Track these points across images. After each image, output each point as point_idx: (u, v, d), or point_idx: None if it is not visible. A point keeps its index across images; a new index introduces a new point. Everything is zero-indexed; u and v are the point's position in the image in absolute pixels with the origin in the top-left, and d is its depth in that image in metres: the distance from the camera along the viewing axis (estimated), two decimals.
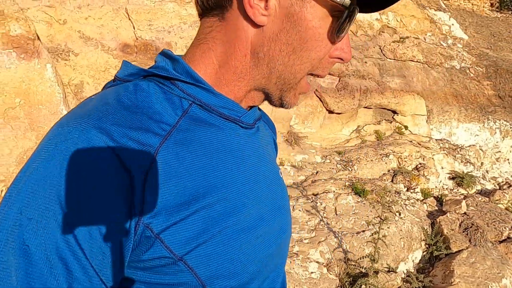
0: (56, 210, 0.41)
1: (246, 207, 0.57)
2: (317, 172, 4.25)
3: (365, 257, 2.94)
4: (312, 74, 0.60)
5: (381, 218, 2.87)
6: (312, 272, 2.92)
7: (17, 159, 2.79)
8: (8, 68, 2.74)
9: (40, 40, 2.98)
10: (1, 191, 2.74)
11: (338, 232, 3.39)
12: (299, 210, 3.56)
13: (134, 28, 3.47)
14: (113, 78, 0.59)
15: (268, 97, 0.62)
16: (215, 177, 0.54)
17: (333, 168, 4.36)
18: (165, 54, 0.59)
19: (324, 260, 3.10)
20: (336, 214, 3.65)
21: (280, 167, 4.03)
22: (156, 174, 0.47)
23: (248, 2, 0.51)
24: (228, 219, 0.53)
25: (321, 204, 3.70)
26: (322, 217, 3.55)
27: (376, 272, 3.00)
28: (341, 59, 0.60)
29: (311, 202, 3.70)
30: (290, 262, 2.91)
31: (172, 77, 0.55)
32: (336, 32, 0.54)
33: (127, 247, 0.45)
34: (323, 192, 3.88)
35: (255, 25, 0.54)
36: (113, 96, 0.52)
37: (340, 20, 0.54)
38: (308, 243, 3.21)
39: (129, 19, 3.47)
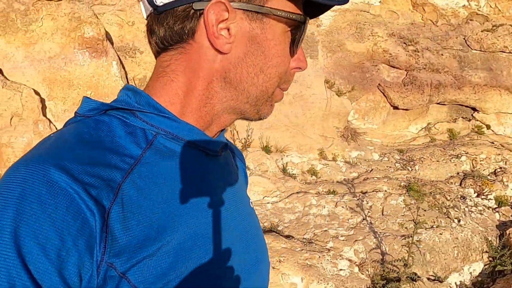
0: (14, 258, 0.40)
1: (215, 239, 0.56)
2: (371, 170, 4.11)
3: (398, 260, 2.82)
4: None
5: (415, 222, 2.71)
6: (341, 269, 2.91)
7: None
8: (82, 65, 3.24)
9: (108, 41, 3.45)
10: None
11: (380, 232, 3.28)
12: (342, 207, 3.51)
13: None
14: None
15: (243, 115, 0.62)
16: (181, 209, 0.53)
17: (390, 167, 4.17)
18: (127, 89, 0.59)
19: (358, 259, 3.04)
20: (382, 215, 3.51)
21: (332, 162, 4.01)
22: (118, 211, 0.46)
23: (213, 34, 0.53)
24: (196, 252, 0.52)
25: (367, 203, 3.59)
26: (365, 216, 3.46)
27: (413, 279, 2.86)
28: (299, 68, 0.62)
29: (357, 200, 3.61)
30: (319, 256, 2.93)
31: (134, 109, 0.54)
32: (295, 45, 0.58)
33: None
34: (373, 191, 3.76)
35: (220, 53, 0.55)
36: (72, 132, 0.51)
37: (298, 33, 0.57)
38: (343, 240, 3.18)
39: None
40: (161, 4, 0.54)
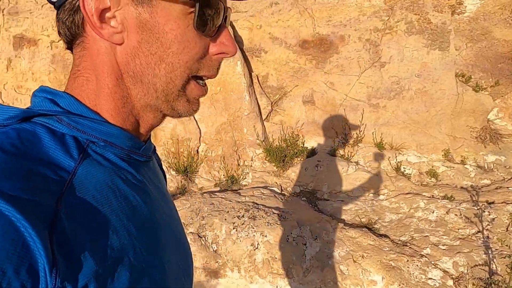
0: None
1: (158, 251, 0.53)
2: (510, 179, 3.50)
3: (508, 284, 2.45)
4: (199, 77, 0.56)
5: None
6: (430, 278, 2.71)
7: (216, 130, 3.97)
8: None
9: (238, 43, 4.01)
10: (206, 150, 3.99)
11: (495, 250, 2.85)
12: (455, 215, 3.18)
13: (314, 25, 3.99)
14: None
15: (162, 112, 0.57)
16: (123, 222, 0.48)
17: None
18: (44, 91, 0.52)
19: (456, 272, 2.76)
20: (507, 231, 3.01)
21: (459, 165, 3.64)
22: (62, 230, 0.40)
23: (95, 25, 0.48)
24: (144, 261, 0.49)
25: (490, 215, 3.13)
26: (483, 228, 3.04)
27: None
28: (225, 54, 0.56)
29: (478, 209, 3.19)
30: (407, 260, 2.80)
31: (59, 114, 0.49)
32: (197, 28, 0.51)
33: None
34: (502, 202, 3.23)
35: (114, 44, 0.51)
36: None
37: (208, 13, 0.51)
38: (444, 249, 2.91)
39: (312, 17, 4.00)
40: None
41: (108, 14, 0.49)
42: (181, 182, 3.89)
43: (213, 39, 0.55)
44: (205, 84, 0.58)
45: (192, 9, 0.51)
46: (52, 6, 0.53)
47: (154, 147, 0.67)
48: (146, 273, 0.49)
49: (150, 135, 0.63)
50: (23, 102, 4.01)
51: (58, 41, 3.89)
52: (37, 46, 3.95)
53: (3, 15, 4.02)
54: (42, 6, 3.94)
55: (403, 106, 3.80)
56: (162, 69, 0.52)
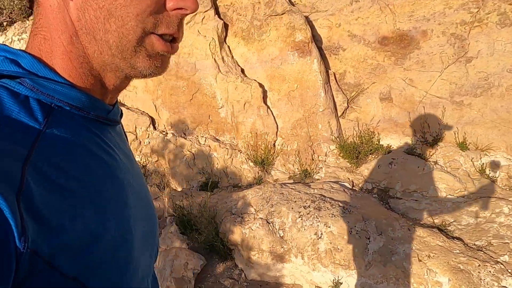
0: None
1: (127, 210, 0.54)
2: None
3: None
4: (160, 36, 0.53)
5: None
6: (503, 286, 2.53)
7: (292, 125, 4.17)
8: (292, 63, 4.10)
9: (317, 42, 4.15)
10: (282, 144, 4.22)
11: None
12: None
13: (395, 21, 3.93)
14: None
15: (123, 72, 0.54)
16: (92, 183, 0.48)
17: None
18: (4, 50, 0.49)
19: None
20: None
21: None
22: (30, 197, 0.39)
23: None
24: (110, 226, 0.49)
25: None
26: None
27: None
28: (183, 9, 0.52)
29: None
30: (479, 265, 2.65)
31: (21, 75, 0.46)
32: None
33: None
34: None
35: (66, 0, 0.49)
36: None
37: None
38: None
39: (393, 13, 3.95)
40: None
41: None
42: (258, 173, 4.18)
43: None
44: (174, 42, 0.55)
45: None
46: None
47: (121, 111, 0.66)
48: (113, 237, 0.49)
49: (117, 99, 0.61)
50: (131, 98, 4.72)
51: None
52: None
53: None
54: None
55: (492, 104, 3.53)
56: (112, 24, 0.49)
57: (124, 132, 0.74)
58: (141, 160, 4.45)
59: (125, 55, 0.52)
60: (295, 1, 4.40)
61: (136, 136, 4.55)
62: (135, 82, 4.58)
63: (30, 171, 0.41)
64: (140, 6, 0.49)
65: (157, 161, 4.43)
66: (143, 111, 4.65)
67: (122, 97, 4.74)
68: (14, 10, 5.76)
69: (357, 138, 3.92)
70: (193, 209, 3.59)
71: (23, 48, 0.53)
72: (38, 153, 0.43)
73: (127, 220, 0.54)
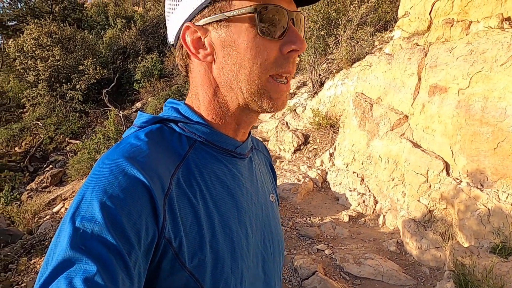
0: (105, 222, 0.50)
1: (244, 234, 0.67)
2: None
3: None
4: (278, 76, 0.64)
5: None
6: None
7: None
8: None
9: None
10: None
11: None
12: None
13: None
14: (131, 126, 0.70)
15: (255, 111, 0.68)
16: (215, 202, 0.64)
17: None
18: (170, 102, 0.72)
19: None
20: None
21: None
22: (172, 196, 0.58)
23: (193, 53, 0.64)
24: (230, 250, 0.64)
25: None
26: None
27: None
28: (296, 50, 0.63)
29: None
30: None
31: (177, 120, 0.67)
32: (263, 34, 0.61)
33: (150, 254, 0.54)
34: None
35: (209, 64, 0.65)
36: (137, 138, 0.62)
37: (267, 20, 0.60)
38: None
39: None
40: (172, 41, 0.70)
41: (199, 42, 0.64)
42: None
43: (283, 40, 0.62)
44: (287, 81, 0.66)
45: (254, 22, 0.60)
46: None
47: (256, 146, 0.82)
48: (228, 253, 0.63)
49: (249, 135, 0.76)
50: (427, 141, 4.68)
51: (465, 89, 4.25)
52: (446, 93, 4.49)
53: (425, 68, 4.88)
54: (456, 58, 4.44)
55: None
56: (243, 74, 0.63)
57: (271, 165, 0.91)
58: (428, 204, 4.33)
59: (254, 98, 0.65)
60: None
61: (427, 179, 4.47)
62: (434, 125, 4.53)
63: (175, 182, 0.59)
64: (262, 57, 0.62)
65: (445, 208, 4.17)
66: (438, 155, 4.50)
67: (419, 138, 4.80)
68: (342, 60, 6.98)
69: None
70: (476, 271, 3.18)
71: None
72: (181, 171, 0.62)
73: (239, 236, 0.66)
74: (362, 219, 4.91)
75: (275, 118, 8.10)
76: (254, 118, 0.71)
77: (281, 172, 5.93)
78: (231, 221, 0.65)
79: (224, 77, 0.64)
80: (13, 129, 13.28)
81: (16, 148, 12.61)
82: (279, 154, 6.91)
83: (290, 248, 4.18)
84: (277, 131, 7.28)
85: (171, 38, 0.70)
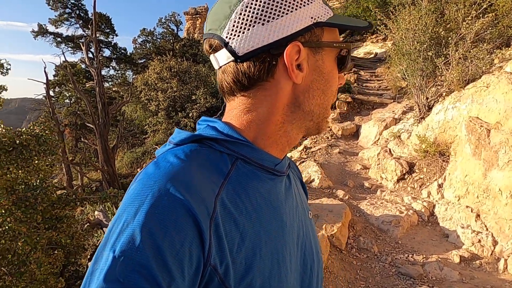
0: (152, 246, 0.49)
1: (288, 255, 0.67)
2: None
3: None
4: None
5: None
6: None
7: None
8: None
9: None
10: None
11: None
12: None
13: None
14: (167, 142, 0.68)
15: (305, 133, 0.72)
16: (258, 221, 0.62)
17: None
18: (206, 120, 0.71)
19: None
20: None
21: None
22: (217, 225, 0.55)
23: (292, 71, 0.64)
24: (269, 256, 0.62)
25: None
26: None
27: None
28: (341, 84, 0.74)
29: None
30: None
31: (218, 138, 0.64)
32: (343, 67, 0.71)
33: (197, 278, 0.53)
34: None
35: (295, 85, 0.66)
36: (177, 157, 0.59)
37: (346, 57, 0.71)
38: None
39: None
40: (243, 54, 0.63)
41: (300, 64, 0.65)
42: None
43: (340, 74, 0.73)
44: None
45: (338, 54, 0.70)
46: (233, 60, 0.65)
47: (290, 163, 0.79)
48: (271, 274, 0.61)
49: (286, 154, 0.74)
50: None
51: None
52: None
53: None
54: None
55: None
56: (322, 99, 0.69)
57: (301, 181, 0.91)
58: None
59: (318, 120, 0.71)
60: None
61: None
62: None
63: (219, 203, 0.57)
64: (335, 84, 0.71)
65: None
66: None
67: None
68: (453, 82, 6.35)
69: None
70: None
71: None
72: (225, 191, 0.59)
73: (284, 257, 0.65)
74: (477, 262, 4.25)
75: (377, 144, 7.66)
76: (299, 139, 0.74)
77: (381, 203, 5.52)
78: (277, 242, 0.64)
79: (304, 99, 0.67)
80: (137, 153, 14.98)
81: (138, 169, 14.22)
82: (380, 183, 6.46)
83: (387, 286, 3.81)
84: (378, 159, 6.85)
85: (243, 49, 0.63)
